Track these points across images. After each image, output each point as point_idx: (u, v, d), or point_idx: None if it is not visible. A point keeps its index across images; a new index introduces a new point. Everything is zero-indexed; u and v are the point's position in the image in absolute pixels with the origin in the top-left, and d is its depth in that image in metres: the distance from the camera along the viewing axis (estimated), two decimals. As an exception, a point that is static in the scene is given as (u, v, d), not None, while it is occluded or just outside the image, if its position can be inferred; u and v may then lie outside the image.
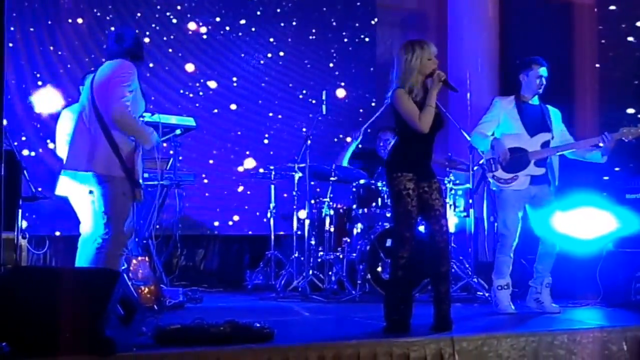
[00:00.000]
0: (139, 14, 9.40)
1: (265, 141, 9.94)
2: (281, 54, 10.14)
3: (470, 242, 8.27)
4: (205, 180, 9.46)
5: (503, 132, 6.63)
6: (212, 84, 9.73)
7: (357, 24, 10.52)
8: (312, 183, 8.32)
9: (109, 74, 5.43)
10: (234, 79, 9.88)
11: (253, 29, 9.93)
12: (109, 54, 5.66)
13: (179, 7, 9.60)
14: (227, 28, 9.87)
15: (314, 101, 9.88)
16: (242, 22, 9.91)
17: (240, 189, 9.72)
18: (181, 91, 9.54)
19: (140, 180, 5.47)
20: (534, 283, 6.64)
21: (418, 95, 5.44)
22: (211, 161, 9.66)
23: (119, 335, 4.31)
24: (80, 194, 5.50)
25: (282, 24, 10.10)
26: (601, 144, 6.46)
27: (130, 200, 5.42)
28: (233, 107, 9.84)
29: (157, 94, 9.21)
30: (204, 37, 9.75)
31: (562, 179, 7.07)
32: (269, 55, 10.05)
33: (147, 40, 9.20)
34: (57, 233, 8.46)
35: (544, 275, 6.58)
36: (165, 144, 6.91)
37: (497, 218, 6.72)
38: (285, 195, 8.92)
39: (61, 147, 6.64)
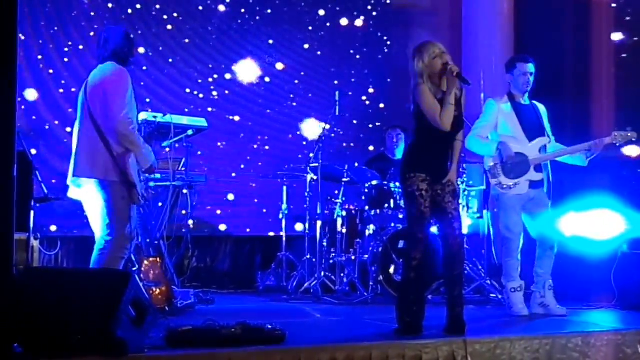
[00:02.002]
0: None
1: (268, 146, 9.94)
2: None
3: (484, 244, 8.23)
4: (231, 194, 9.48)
5: (500, 135, 6.58)
6: (230, 77, 9.68)
7: (370, 24, 10.47)
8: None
9: (104, 82, 5.49)
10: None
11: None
12: (97, 57, 5.72)
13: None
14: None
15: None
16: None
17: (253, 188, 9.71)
18: (187, 90, 9.44)
19: (136, 182, 5.51)
20: (536, 288, 6.57)
21: (436, 96, 5.41)
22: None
23: (131, 337, 4.31)
24: (90, 198, 5.55)
25: (290, 25, 10.06)
26: (589, 150, 6.45)
27: (130, 203, 5.46)
28: (253, 105, 9.81)
29: (166, 91, 9.16)
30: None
31: (576, 180, 7.03)
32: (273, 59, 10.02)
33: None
34: (69, 234, 8.47)
35: (546, 279, 6.52)
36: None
37: (498, 222, 6.65)
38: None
39: None
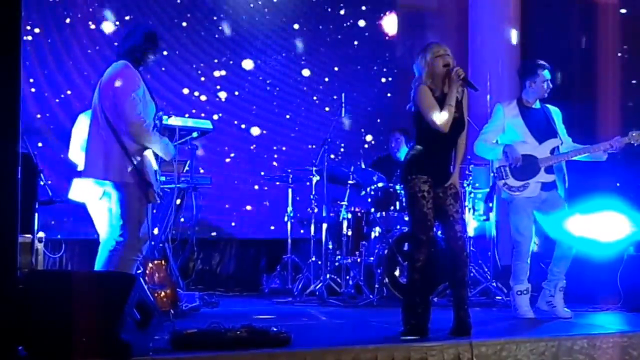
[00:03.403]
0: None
1: (284, 148, 9.91)
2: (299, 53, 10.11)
3: (490, 246, 8.21)
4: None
5: (509, 140, 6.56)
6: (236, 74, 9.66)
7: (377, 25, 10.47)
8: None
9: (113, 82, 5.42)
10: (249, 77, 9.81)
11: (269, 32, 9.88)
12: (117, 51, 5.66)
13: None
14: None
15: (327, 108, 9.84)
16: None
17: (257, 190, 9.70)
18: (192, 93, 9.43)
19: (153, 181, 5.45)
20: (547, 285, 6.58)
21: (435, 94, 5.40)
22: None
23: (135, 340, 4.30)
24: (95, 199, 5.52)
25: (298, 25, 10.05)
26: (613, 148, 6.44)
27: (145, 204, 5.41)
28: (254, 108, 9.80)
29: (168, 91, 9.14)
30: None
31: (583, 182, 7.01)
32: (284, 54, 10.00)
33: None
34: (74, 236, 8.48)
35: (559, 279, 6.53)
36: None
37: (509, 225, 6.64)
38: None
39: (75, 151, 6.65)
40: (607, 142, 6.45)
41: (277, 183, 9.06)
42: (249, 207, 9.66)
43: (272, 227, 9.60)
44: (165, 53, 9.03)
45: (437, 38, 8.84)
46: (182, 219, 7.21)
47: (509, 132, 6.56)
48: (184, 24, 9.37)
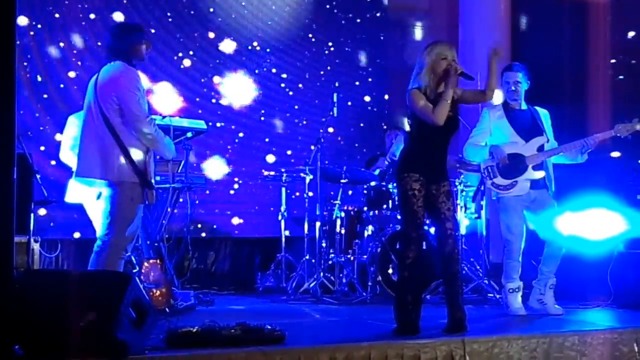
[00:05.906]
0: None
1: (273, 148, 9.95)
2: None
3: (482, 244, 8.25)
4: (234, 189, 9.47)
5: (497, 142, 6.61)
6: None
7: (368, 26, 10.50)
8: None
9: (115, 84, 5.38)
10: (252, 80, 9.84)
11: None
12: (107, 51, 5.59)
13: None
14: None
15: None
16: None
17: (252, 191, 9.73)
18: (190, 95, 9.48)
19: (153, 182, 5.47)
20: (537, 284, 6.63)
21: (432, 95, 5.45)
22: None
23: (131, 338, 4.32)
24: (92, 200, 5.53)
25: (293, 27, 10.08)
26: (585, 146, 6.48)
27: (139, 204, 5.41)
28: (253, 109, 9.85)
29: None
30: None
31: (573, 180, 7.06)
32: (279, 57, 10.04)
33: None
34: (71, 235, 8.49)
35: (549, 277, 6.58)
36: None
37: (500, 224, 6.69)
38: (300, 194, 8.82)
39: (65, 152, 6.68)
40: (581, 140, 6.50)
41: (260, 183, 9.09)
42: (243, 206, 9.68)
43: (267, 226, 9.63)
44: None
45: (429, 38, 8.87)
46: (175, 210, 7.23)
47: (496, 134, 6.62)
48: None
